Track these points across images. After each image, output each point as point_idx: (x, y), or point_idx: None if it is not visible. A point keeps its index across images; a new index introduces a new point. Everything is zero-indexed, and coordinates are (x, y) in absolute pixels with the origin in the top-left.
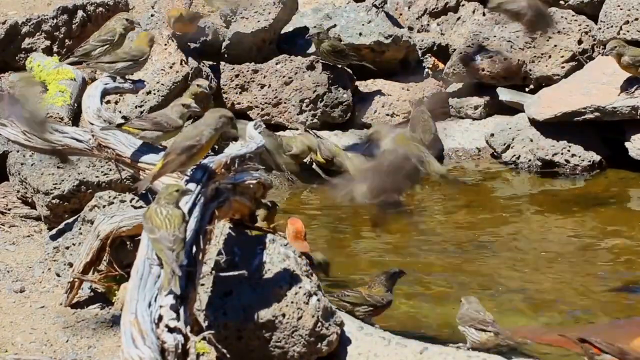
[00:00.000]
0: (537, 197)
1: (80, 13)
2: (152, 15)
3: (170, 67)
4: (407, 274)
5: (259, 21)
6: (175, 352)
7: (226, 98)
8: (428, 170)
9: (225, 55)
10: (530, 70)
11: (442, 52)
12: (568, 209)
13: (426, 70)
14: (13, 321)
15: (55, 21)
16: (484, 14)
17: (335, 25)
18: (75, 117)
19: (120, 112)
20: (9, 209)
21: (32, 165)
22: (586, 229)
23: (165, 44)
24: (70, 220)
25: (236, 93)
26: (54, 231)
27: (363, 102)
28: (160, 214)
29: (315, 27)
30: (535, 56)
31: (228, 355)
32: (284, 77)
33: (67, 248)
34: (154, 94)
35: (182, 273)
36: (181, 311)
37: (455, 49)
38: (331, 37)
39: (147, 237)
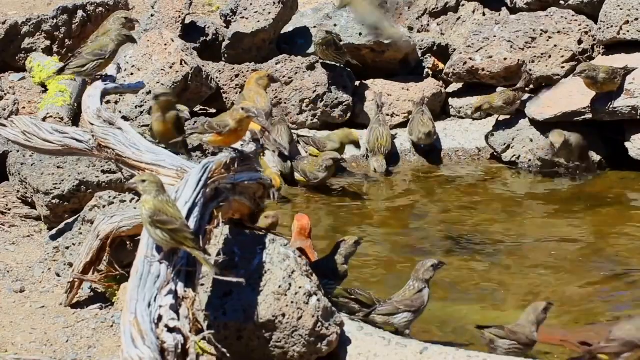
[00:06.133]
0: (537, 197)
1: (80, 13)
2: (152, 15)
3: (170, 67)
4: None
5: (259, 21)
6: (175, 352)
7: (226, 98)
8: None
9: (225, 55)
10: (530, 70)
11: (442, 52)
12: (568, 209)
13: (426, 70)
14: (13, 321)
15: (55, 21)
16: (484, 14)
17: (335, 25)
18: (75, 117)
19: (120, 112)
20: (9, 209)
21: (32, 165)
22: (586, 228)
23: (166, 44)
24: (70, 220)
25: (236, 93)
26: (54, 231)
27: (363, 102)
28: (168, 203)
29: (315, 27)
30: (535, 56)
31: (228, 355)
32: (284, 77)
33: (67, 248)
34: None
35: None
36: (181, 311)
37: (455, 49)
38: (333, 35)
39: (147, 236)
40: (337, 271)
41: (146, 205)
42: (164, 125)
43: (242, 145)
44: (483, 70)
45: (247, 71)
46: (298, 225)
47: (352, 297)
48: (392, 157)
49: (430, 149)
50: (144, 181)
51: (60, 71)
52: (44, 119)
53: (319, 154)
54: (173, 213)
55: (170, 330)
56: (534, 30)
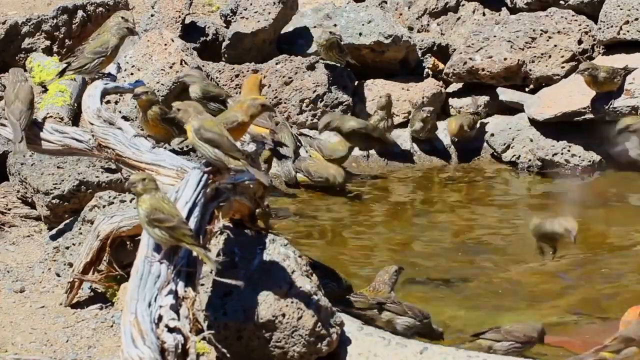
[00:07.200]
0: (537, 197)
1: (80, 13)
2: (152, 15)
3: (170, 67)
4: (406, 274)
5: (259, 21)
6: (175, 352)
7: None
8: None
9: (225, 55)
10: (530, 70)
11: (442, 52)
12: (568, 209)
13: (426, 70)
14: (13, 321)
15: (55, 21)
16: (484, 14)
17: (335, 25)
18: (75, 117)
19: (120, 112)
20: (9, 209)
21: (32, 165)
22: (586, 229)
23: (166, 44)
24: (70, 220)
25: (236, 93)
26: (54, 231)
27: (363, 102)
28: (164, 201)
29: (315, 27)
30: (535, 56)
31: (228, 355)
32: (284, 77)
33: (67, 248)
34: None
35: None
36: (181, 311)
37: (455, 49)
38: (337, 36)
39: (147, 236)
40: (337, 273)
41: (143, 205)
42: (146, 124)
43: (242, 145)
44: (483, 70)
45: (247, 71)
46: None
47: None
48: (393, 156)
49: (431, 149)
50: (143, 180)
51: (62, 73)
52: (44, 119)
53: (321, 158)
54: (169, 210)
55: (171, 330)
56: (534, 30)
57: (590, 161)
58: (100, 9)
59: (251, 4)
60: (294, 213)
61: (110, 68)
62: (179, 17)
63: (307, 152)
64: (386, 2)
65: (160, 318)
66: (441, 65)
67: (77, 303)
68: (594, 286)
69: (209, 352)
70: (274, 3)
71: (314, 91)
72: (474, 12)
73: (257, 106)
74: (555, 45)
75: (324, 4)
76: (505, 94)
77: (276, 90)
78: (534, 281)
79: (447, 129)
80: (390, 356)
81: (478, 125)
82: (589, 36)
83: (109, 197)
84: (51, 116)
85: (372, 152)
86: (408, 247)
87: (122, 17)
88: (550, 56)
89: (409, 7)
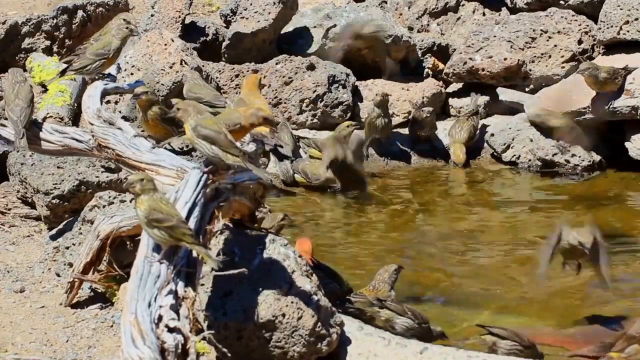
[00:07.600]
0: (537, 197)
1: (80, 13)
2: (152, 15)
3: (170, 67)
4: (407, 274)
5: (259, 21)
6: (175, 352)
7: (226, 98)
8: None
9: (225, 55)
10: (530, 70)
11: (442, 52)
12: (568, 209)
13: (426, 70)
14: (13, 321)
15: (55, 21)
16: (484, 14)
17: (335, 26)
18: (75, 117)
19: (120, 112)
20: (9, 209)
21: (32, 165)
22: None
23: (166, 44)
24: (70, 220)
25: (236, 93)
26: (54, 231)
27: (363, 102)
28: (162, 201)
29: (315, 27)
30: (535, 56)
31: (229, 355)
32: (284, 77)
33: (67, 248)
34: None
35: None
36: (181, 311)
37: (455, 49)
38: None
39: (147, 236)
40: (339, 275)
41: (141, 206)
42: (146, 124)
43: (242, 145)
44: (483, 70)
45: (247, 71)
46: (299, 250)
47: (352, 307)
48: (393, 156)
49: (431, 149)
50: (142, 180)
51: (62, 73)
52: (44, 119)
53: (321, 155)
54: (168, 210)
55: (171, 330)
56: (534, 30)
57: (590, 161)
58: (100, 9)
59: (251, 4)
60: (293, 213)
61: (111, 68)
62: (179, 17)
63: (306, 152)
64: (386, 2)
65: (160, 318)
66: (441, 65)
67: (77, 303)
68: (594, 287)
69: (209, 352)
70: (274, 3)
71: (314, 91)
72: (474, 12)
73: (259, 117)
74: (555, 45)
75: (324, 4)
76: (505, 94)
77: (276, 90)
78: (534, 281)
79: (454, 159)
80: (390, 356)
81: (479, 126)
82: (589, 36)
83: (109, 197)
84: (51, 116)
85: (372, 152)
86: (408, 246)
87: (124, 20)
88: (550, 56)
89: (409, 7)
